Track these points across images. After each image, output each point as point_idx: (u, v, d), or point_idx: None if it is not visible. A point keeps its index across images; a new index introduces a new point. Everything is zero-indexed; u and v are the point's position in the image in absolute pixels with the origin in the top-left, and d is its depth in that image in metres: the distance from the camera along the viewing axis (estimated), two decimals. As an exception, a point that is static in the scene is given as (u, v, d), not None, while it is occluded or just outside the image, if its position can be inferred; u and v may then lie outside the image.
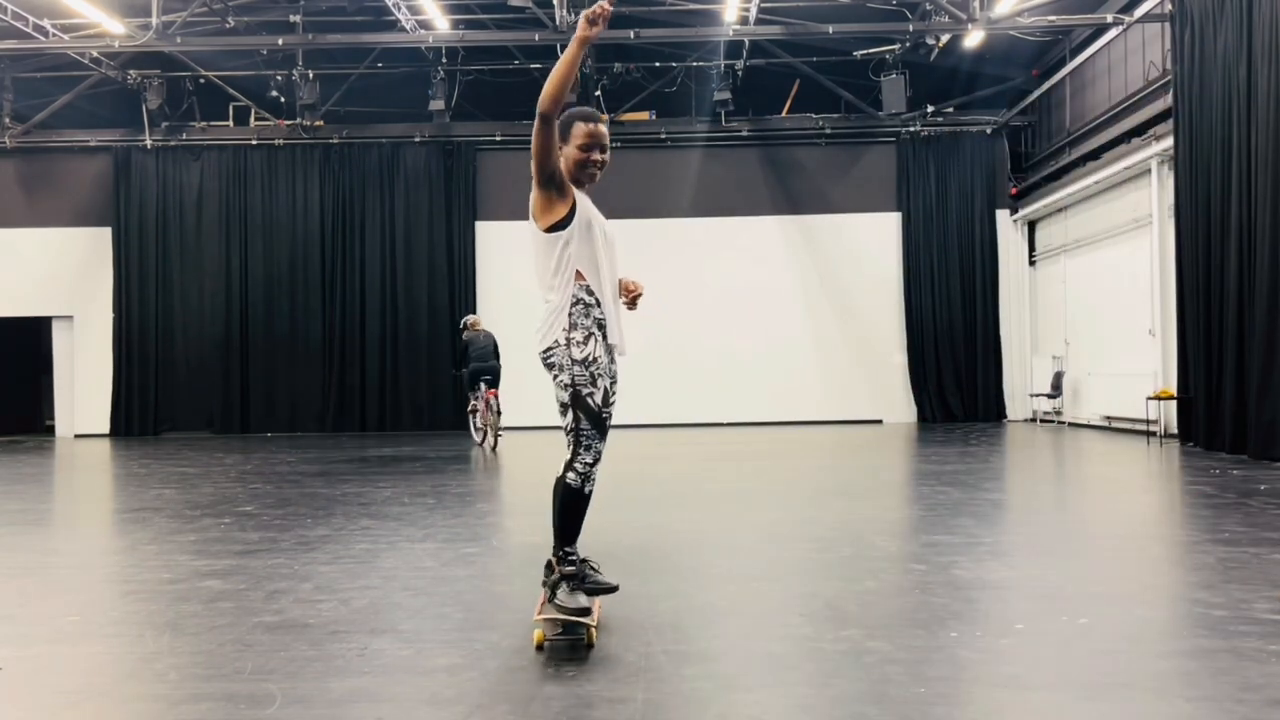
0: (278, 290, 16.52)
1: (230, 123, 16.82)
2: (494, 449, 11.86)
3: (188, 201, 16.69)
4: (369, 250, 16.51)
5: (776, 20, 13.75)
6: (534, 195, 3.51)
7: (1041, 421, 15.67)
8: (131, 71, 15.62)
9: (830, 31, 13.35)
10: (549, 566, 3.62)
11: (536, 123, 3.33)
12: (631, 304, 3.73)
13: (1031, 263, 16.60)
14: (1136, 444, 11.22)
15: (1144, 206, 12.61)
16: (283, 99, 16.06)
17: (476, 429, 12.66)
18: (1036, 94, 15.31)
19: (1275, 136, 9.07)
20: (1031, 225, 16.60)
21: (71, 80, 15.88)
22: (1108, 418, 13.63)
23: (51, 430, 17.23)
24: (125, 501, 7.85)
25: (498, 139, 16.45)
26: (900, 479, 8.71)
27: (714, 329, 16.18)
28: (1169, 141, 11.40)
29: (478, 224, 16.59)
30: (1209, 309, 10.29)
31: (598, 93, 15.66)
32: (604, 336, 3.52)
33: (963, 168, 16.45)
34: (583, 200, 3.55)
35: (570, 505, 3.49)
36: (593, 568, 3.65)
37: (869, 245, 16.54)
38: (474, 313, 15.24)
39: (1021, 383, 16.38)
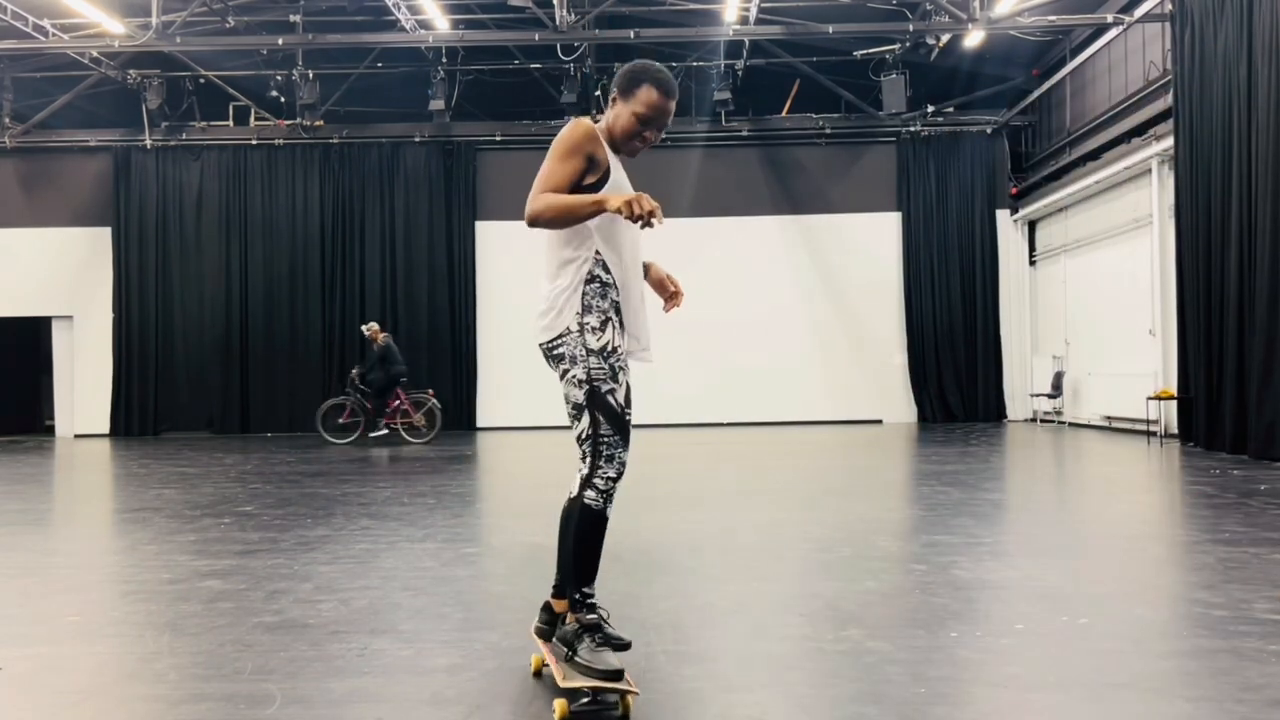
0: (277, 290, 16.52)
1: (230, 123, 16.83)
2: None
3: (188, 201, 16.69)
4: (369, 250, 16.51)
5: (776, 20, 13.75)
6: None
7: (1042, 421, 15.66)
8: (131, 71, 15.61)
9: (830, 31, 13.35)
10: (550, 612, 3.07)
11: (526, 220, 2.83)
12: (671, 302, 3.15)
13: (1032, 263, 16.60)
14: (1137, 444, 11.22)
15: (1144, 206, 12.61)
16: (283, 99, 16.07)
17: (414, 428, 13.73)
18: (1036, 94, 15.31)
19: (1275, 136, 9.07)
20: (1032, 225, 16.59)
21: (71, 80, 15.88)
22: (1108, 418, 13.62)
23: (51, 430, 17.22)
24: (125, 501, 7.84)
25: (498, 139, 16.45)
26: (900, 479, 8.71)
27: (714, 329, 16.17)
28: (1169, 141, 11.40)
29: (478, 224, 16.59)
30: (1209, 309, 10.29)
31: (597, 92, 15.66)
32: (622, 325, 2.95)
33: (963, 168, 16.45)
34: (617, 168, 2.99)
35: (590, 533, 2.85)
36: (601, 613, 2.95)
37: (869, 245, 16.54)
38: (370, 322, 14.58)
39: (1022, 383, 16.39)
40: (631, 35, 13.26)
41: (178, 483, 8.89)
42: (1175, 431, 11.36)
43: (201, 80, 16.20)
